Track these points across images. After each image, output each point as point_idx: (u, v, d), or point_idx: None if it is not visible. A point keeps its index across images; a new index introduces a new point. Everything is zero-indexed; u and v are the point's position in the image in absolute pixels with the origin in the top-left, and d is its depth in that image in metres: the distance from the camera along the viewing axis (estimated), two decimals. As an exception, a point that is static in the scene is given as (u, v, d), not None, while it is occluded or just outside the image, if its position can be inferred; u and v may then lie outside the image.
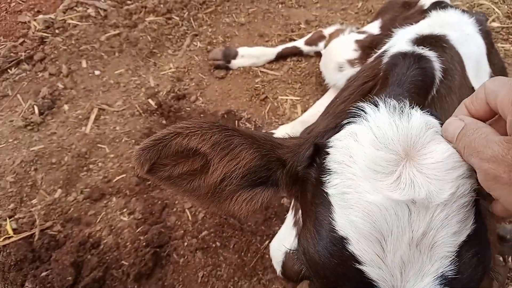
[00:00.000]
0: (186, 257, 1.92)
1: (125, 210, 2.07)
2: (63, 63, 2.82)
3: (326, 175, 0.79)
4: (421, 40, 1.48)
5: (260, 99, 2.68)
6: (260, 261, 1.95)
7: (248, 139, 0.88)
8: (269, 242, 2.00)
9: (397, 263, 0.69)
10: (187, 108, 2.65)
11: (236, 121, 2.58)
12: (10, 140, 2.39)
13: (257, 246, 1.99)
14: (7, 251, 1.89)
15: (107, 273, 1.86)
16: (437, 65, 1.33)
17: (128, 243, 1.93)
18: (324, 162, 0.81)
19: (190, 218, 2.07)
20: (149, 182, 2.23)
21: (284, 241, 1.87)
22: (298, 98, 2.69)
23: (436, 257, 0.69)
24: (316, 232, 0.77)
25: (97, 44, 2.94)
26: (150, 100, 2.65)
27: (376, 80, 1.46)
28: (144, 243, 1.90)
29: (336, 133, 0.84)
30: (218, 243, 1.98)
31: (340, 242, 0.72)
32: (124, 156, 2.33)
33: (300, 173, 0.90)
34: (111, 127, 2.49)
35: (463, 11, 1.85)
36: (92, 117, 2.53)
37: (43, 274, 1.84)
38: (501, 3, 3.22)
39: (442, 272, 0.68)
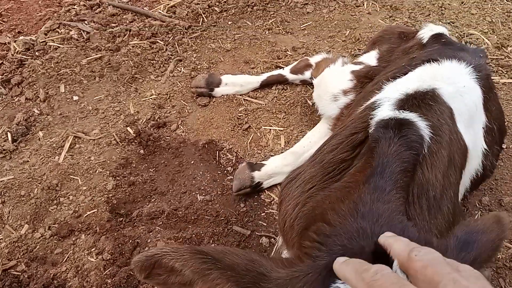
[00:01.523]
0: (155, 303, 1.82)
1: (93, 249, 1.96)
2: (41, 87, 2.73)
3: None
4: (404, 102, 1.46)
5: (243, 128, 2.60)
6: (234, 308, 1.84)
7: (227, 272, 0.91)
8: (245, 285, 1.90)
9: None
10: (167, 137, 2.56)
11: (217, 152, 2.49)
12: (-21, 169, 2.29)
13: (232, 291, 1.88)
14: (-36, 293, 1.77)
15: (69, 320, 1.75)
16: (421, 124, 1.33)
17: (93, 287, 1.82)
18: None
19: (162, 258, 1.96)
20: (122, 218, 2.13)
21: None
22: (281, 128, 2.61)
23: None
24: None
25: (77, 68, 2.86)
26: (128, 128, 2.56)
27: (364, 135, 1.45)
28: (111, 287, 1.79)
29: None
30: None
31: None
32: (97, 188, 2.23)
33: None
34: (85, 156, 2.39)
35: (461, 56, 1.77)
36: (67, 145, 2.43)
37: (1, 320, 1.73)
38: (490, 33, 3.19)
39: None
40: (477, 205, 2.21)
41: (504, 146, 2.12)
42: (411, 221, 1.13)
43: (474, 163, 1.74)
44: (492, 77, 2.13)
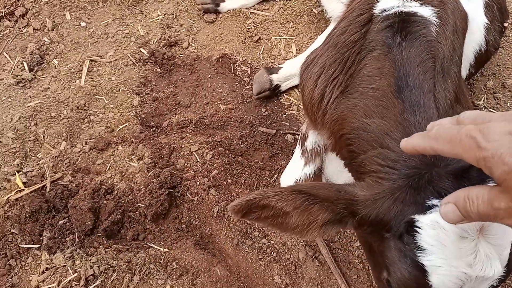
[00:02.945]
0: (200, 195, 1.97)
1: (133, 156, 2.08)
2: (47, 17, 2.71)
3: (419, 250, 0.99)
4: None
5: (253, 40, 2.66)
6: (272, 194, 2.01)
7: (325, 204, 1.06)
8: (278, 176, 2.06)
9: None
10: (181, 55, 2.62)
11: (232, 64, 2.57)
12: (4, 98, 2.34)
13: (267, 180, 2.05)
14: (21, 204, 1.89)
15: (125, 215, 1.90)
16: (424, 10, 1.43)
17: (141, 186, 1.96)
18: (415, 239, 1.00)
19: (198, 159, 2.10)
20: (154, 128, 2.23)
21: (294, 172, 1.93)
22: (291, 37, 2.67)
23: (488, 280, 0.97)
24: (416, 285, 1.02)
25: (78, -6, 2.83)
26: (141, 49, 2.60)
27: (370, 15, 1.52)
28: (157, 185, 1.93)
29: (419, 211, 1.00)
30: (229, 180, 2.03)
31: None
32: (124, 105, 2.32)
33: (385, 236, 1.08)
34: (106, 78, 2.45)
35: None
36: (85, 69, 2.48)
37: (60, 222, 1.87)
38: None
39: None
40: (483, 89, 2.36)
41: (506, 24, 2.23)
42: None
43: (476, 36, 1.86)
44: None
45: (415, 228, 0.99)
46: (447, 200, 0.80)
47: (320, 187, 1.08)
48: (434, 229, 0.97)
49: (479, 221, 0.76)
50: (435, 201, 0.98)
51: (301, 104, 2.34)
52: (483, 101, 2.30)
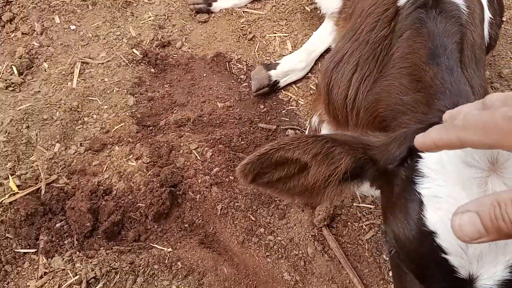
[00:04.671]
0: (202, 193, 1.91)
1: (131, 156, 2.02)
2: (35, 21, 2.64)
3: (418, 177, 0.86)
4: None
5: (247, 39, 2.63)
6: (276, 189, 1.96)
7: (346, 147, 0.98)
8: (281, 171, 2.01)
9: (477, 254, 0.79)
10: (174, 55, 2.57)
11: (227, 63, 2.53)
12: (-7, 103, 2.25)
13: (271, 175, 2.00)
14: (15, 207, 1.80)
15: (125, 216, 1.82)
16: None
17: (141, 186, 1.89)
18: (417, 165, 0.88)
19: (198, 157, 2.04)
20: (151, 127, 2.17)
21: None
22: (286, 34, 2.66)
23: (509, 251, 0.78)
24: (407, 223, 0.87)
25: (67, -2, 2.77)
26: (134, 50, 2.54)
27: (395, 9, 1.49)
28: (158, 184, 1.86)
29: None
30: (231, 177, 1.98)
31: (429, 235, 0.82)
32: (119, 106, 2.25)
33: (389, 170, 0.98)
34: (98, 79, 2.38)
35: None
36: (76, 71, 2.41)
37: (58, 225, 1.78)
38: None
39: None
40: (480, 79, 2.37)
41: (504, 18, 2.25)
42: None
43: (484, 30, 1.87)
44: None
45: (418, 154, 0.88)
46: (465, 209, 0.60)
47: (337, 134, 1.02)
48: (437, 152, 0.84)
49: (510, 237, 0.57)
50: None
51: (313, 101, 2.30)
52: (481, 90, 2.30)
